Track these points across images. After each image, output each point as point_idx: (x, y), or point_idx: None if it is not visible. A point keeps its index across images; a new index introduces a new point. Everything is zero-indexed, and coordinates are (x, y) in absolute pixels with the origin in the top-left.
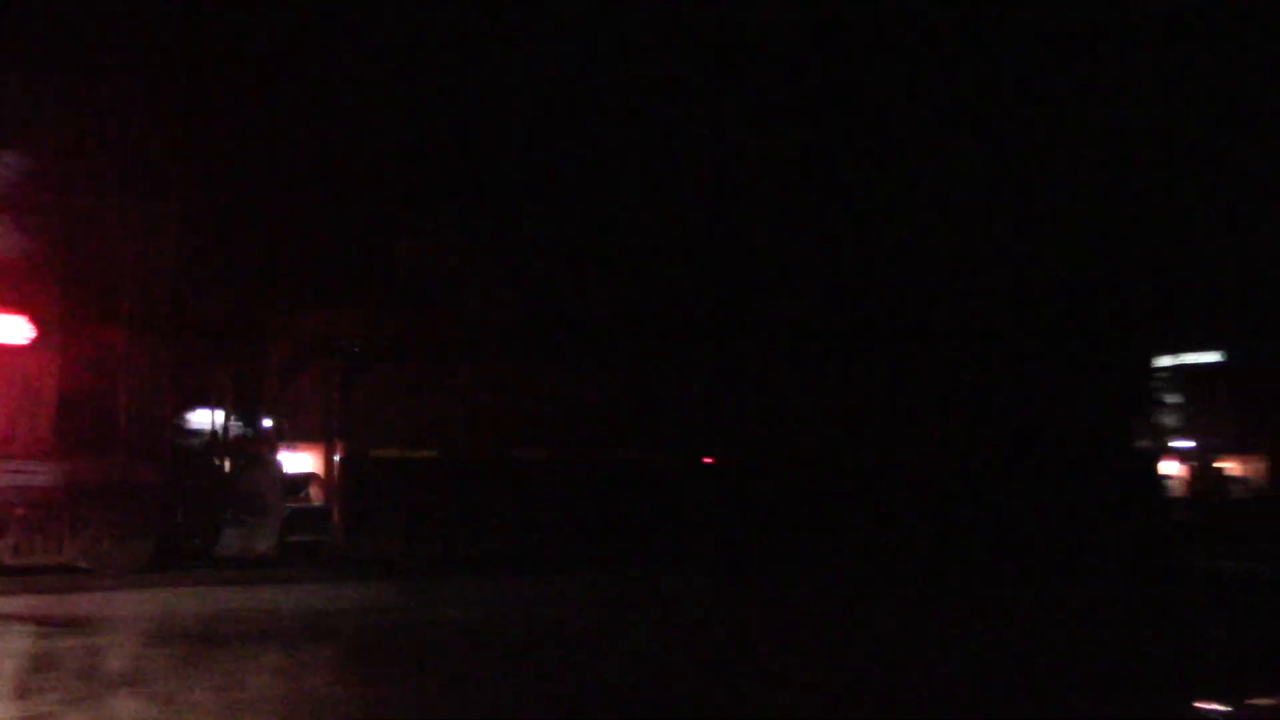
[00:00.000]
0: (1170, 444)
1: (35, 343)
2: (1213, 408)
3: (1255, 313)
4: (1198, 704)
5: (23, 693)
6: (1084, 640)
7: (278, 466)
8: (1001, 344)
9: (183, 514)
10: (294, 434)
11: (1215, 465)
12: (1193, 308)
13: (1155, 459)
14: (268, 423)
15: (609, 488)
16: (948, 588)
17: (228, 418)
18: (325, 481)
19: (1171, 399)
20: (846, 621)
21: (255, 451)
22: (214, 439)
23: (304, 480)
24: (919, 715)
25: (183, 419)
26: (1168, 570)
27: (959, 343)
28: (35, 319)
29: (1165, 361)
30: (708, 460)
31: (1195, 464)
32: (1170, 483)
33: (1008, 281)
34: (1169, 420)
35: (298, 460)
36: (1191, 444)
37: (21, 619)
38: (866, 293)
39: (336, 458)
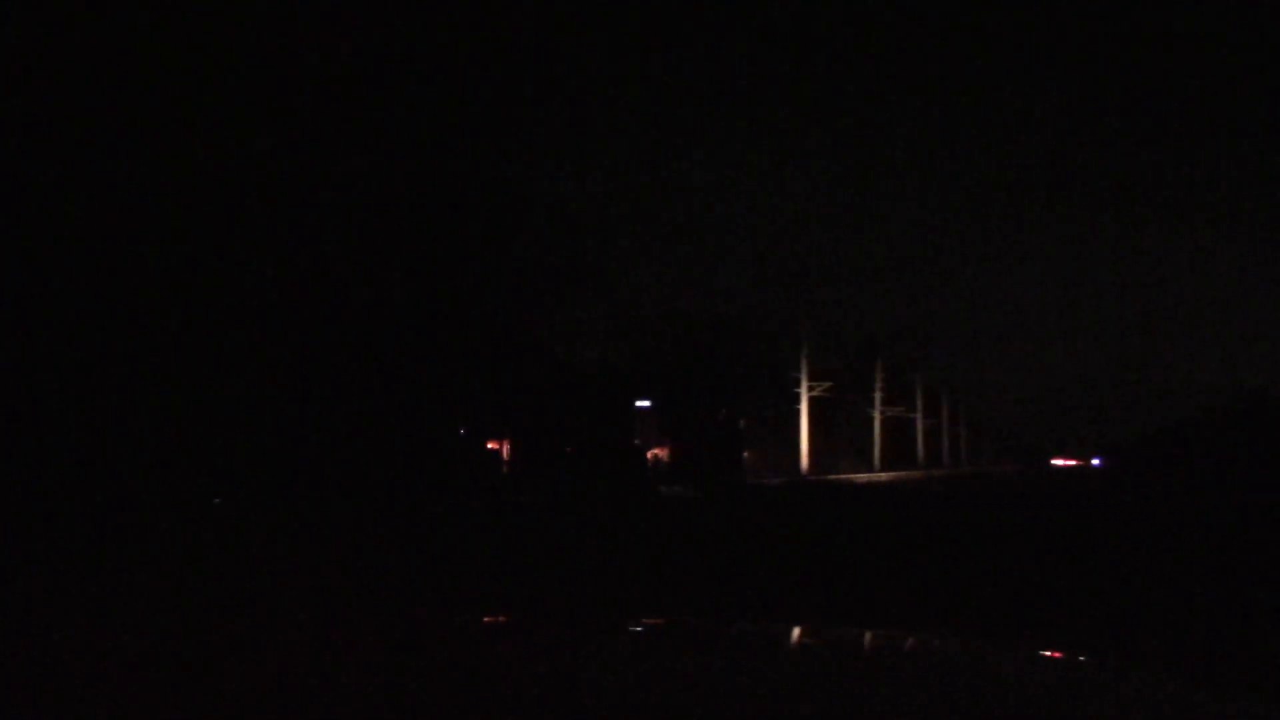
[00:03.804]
0: (643, 442)
1: None
2: (649, 426)
3: (673, 374)
4: None
5: None
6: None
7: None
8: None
9: None
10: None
11: (656, 451)
12: (644, 388)
13: (641, 450)
14: None
15: None
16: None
17: None
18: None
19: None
20: None
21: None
22: None
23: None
24: None
25: None
26: (652, 497)
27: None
28: None
29: (638, 404)
30: None
31: (656, 451)
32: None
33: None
34: (640, 430)
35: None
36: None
37: None
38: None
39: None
